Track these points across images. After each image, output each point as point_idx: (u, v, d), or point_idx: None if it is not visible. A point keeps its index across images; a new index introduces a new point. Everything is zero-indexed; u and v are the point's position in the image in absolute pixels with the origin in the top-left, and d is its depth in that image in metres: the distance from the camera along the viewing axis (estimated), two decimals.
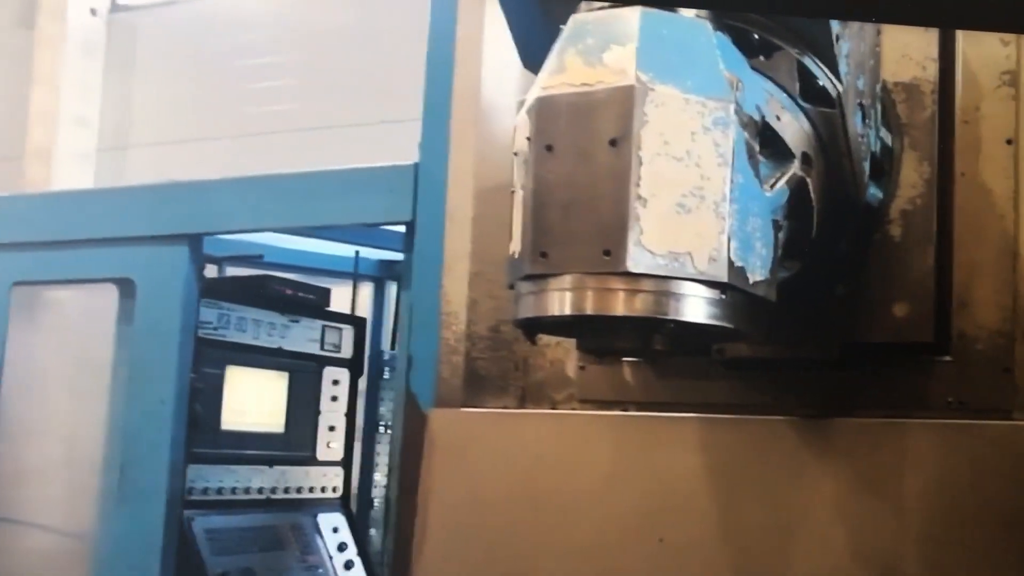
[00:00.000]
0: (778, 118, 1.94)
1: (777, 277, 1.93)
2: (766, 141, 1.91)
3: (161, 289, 3.59)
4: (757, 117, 1.87)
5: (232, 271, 4.62)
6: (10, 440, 4.11)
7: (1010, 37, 2.25)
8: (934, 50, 2.30)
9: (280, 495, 4.76)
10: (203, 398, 3.91)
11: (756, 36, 1.99)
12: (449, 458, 2.58)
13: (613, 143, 1.75)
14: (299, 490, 4.87)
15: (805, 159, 1.98)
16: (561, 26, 1.91)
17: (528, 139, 1.83)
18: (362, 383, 5.40)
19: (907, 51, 2.31)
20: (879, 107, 2.23)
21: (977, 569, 2.14)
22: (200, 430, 3.87)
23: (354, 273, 5.17)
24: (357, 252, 5.06)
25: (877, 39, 2.22)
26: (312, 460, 4.92)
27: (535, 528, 2.47)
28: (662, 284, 1.74)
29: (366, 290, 5.60)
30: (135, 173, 8.94)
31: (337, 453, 5.06)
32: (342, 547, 4.94)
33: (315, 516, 4.95)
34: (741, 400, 2.37)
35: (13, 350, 3.89)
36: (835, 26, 1.98)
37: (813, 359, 2.30)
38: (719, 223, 1.76)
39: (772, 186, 1.92)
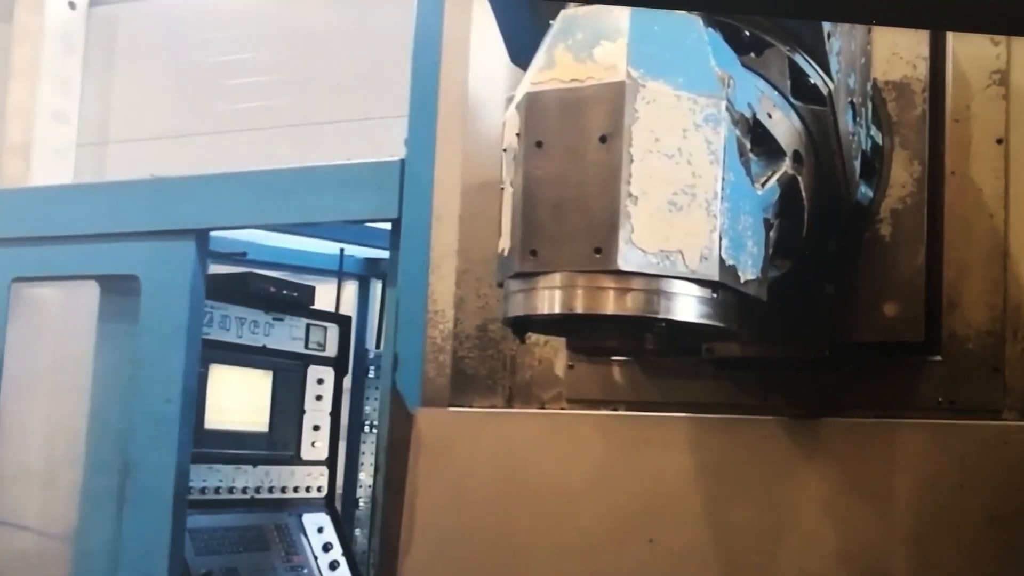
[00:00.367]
0: (769, 116, 1.93)
1: (768, 276, 1.91)
2: (757, 139, 1.90)
3: (167, 286, 3.57)
4: (748, 115, 1.85)
5: (215, 268, 4.58)
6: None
7: (1000, 37, 2.24)
8: (925, 49, 2.29)
9: (264, 495, 4.74)
10: None
11: (747, 33, 1.98)
12: (435, 458, 2.56)
13: (603, 140, 1.73)
14: (283, 490, 4.85)
15: (796, 157, 1.97)
16: (551, 22, 1.89)
17: (517, 135, 1.81)
18: (347, 382, 5.38)
19: (897, 50, 2.30)
20: (869, 106, 2.22)
21: (965, 569, 2.13)
22: None
23: (339, 271, 5.14)
24: (342, 250, 5.04)
25: (868, 37, 2.21)
26: (296, 459, 4.90)
27: (523, 529, 2.45)
28: (653, 283, 1.72)
29: (351, 288, 5.58)
30: (115, 169, 8.87)
31: (322, 452, 5.04)
32: (327, 547, 4.93)
33: (300, 516, 4.93)
34: (730, 400, 2.36)
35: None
36: (826, 24, 1.97)
37: (803, 359, 2.29)
38: (710, 221, 1.75)
39: (763, 184, 1.91)
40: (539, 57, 1.82)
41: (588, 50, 1.77)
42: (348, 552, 4.99)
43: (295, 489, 4.94)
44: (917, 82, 2.28)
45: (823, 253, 2.21)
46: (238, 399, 4.62)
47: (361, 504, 5.69)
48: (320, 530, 4.99)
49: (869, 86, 2.22)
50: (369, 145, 3.23)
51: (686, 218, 1.73)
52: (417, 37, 2.93)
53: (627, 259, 1.70)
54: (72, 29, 9.12)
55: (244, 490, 4.65)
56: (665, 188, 1.73)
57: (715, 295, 1.77)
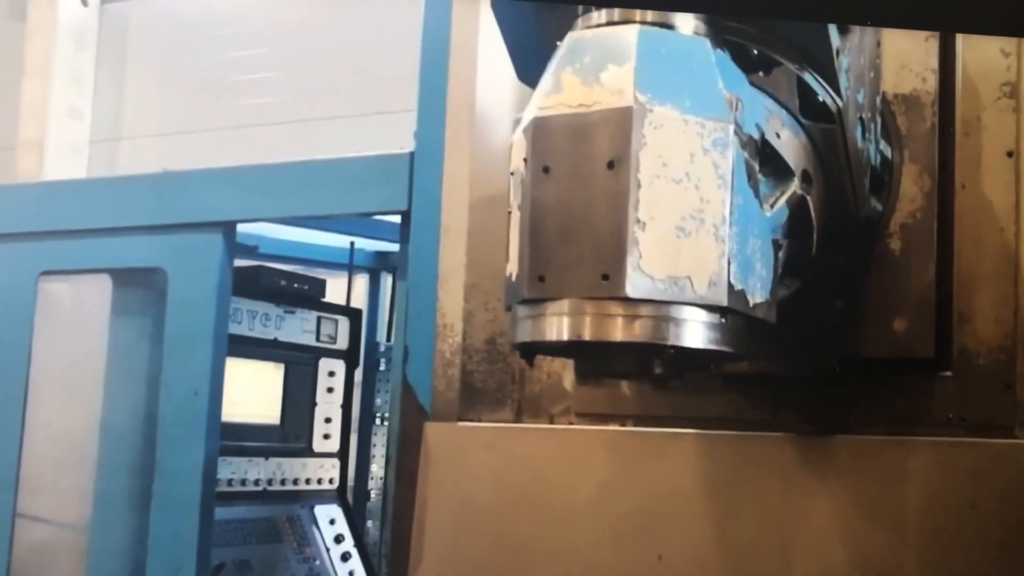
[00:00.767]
0: (778, 135, 1.92)
1: (777, 298, 1.90)
2: (765, 159, 1.89)
3: (194, 279, 3.56)
4: (756, 136, 1.84)
5: None
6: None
7: (1011, 48, 2.23)
8: (934, 61, 2.27)
9: (276, 487, 4.74)
10: None
11: (755, 52, 1.97)
12: (445, 472, 2.56)
13: (611, 165, 1.72)
14: (295, 482, 4.86)
15: (805, 177, 1.95)
16: (557, 42, 1.88)
17: (524, 160, 1.80)
18: (358, 375, 5.40)
19: (907, 62, 2.29)
20: (879, 120, 2.21)
21: None
22: None
23: (349, 264, 5.14)
24: (352, 243, 5.04)
25: (877, 51, 2.20)
26: (308, 452, 4.91)
27: (532, 546, 2.45)
28: (661, 309, 1.71)
29: (361, 283, 5.59)
30: (127, 165, 8.90)
31: (333, 445, 5.04)
32: (339, 539, 4.94)
33: (312, 508, 4.95)
34: (740, 415, 2.35)
35: None
36: (835, 41, 1.95)
37: (812, 374, 2.28)
38: (719, 246, 1.73)
39: (772, 205, 1.90)
40: (546, 80, 1.81)
41: (595, 74, 1.76)
42: (360, 544, 5.00)
43: (307, 481, 4.95)
44: (927, 95, 2.27)
45: (833, 269, 2.20)
46: (250, 392, 4.63)
47: (373, 496, 5.70)
48: (332, 522, 5.01)
49: (878, 100, 2.21)
50: (382, 140, 3.24)
51: (694, 243, 1.72)
52: (425, 31, 2.93)
53: (635, 286, 1.69)
54: (85, 26, 9.13)
55: (256, 482, 4.66)
56: (673, 213, 1.72)
57: (724, 320, 1.76)
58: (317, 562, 4.83)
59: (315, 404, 4.96)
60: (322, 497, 5.03)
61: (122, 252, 3.75)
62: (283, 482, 4.81)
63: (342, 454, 5.12)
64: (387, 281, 5.45)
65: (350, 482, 5.35)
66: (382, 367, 5.48)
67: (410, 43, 3.03)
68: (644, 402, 2.43)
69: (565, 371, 2.53)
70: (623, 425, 2.46)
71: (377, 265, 5.39)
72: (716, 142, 1.74)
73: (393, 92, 5.51)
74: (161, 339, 3.63)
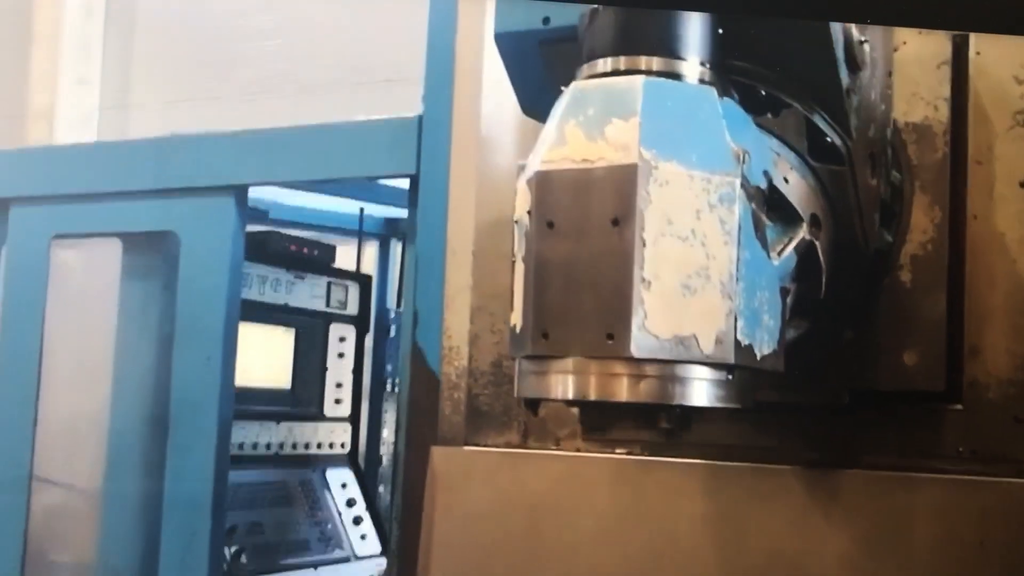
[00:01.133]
0: (786, 180, 1.89)
1: (784, 346, 1.88)
2: (773, 204, 1.86)
3: (206, 243, 3.59)
4: (764, 184, 1.81)
5: None
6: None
7: None
8: (946, 89, 2.23)
9: (288, 451, 4.77)
10: None
11: (763, 92, 1.93)
12: (451, 497, 2.56)
13: (615, 222, 1.69)
14: (307, 446, 4.89)
15: (814, 221, 1.93)
16: (562, 87, 1.85)
17: (529, 213, 1.78)
18: (369, 342, 5.42)
19: (918, 90, 2.25)
20: (889, 152, 2.17)
21: None
22: None
23: (359, 231, 5.13)
24: (362, 209, 5.03)
25: (888, 80, 2.16)
26: (319, 416, 4.94)
27: (537, 570, 2.45)
28: (667, 368, 1.70)
29: (371, 250, 5.59)
30: (138, 133, 8.86)
31: (344, 410, 5.08)
32: (351, 502, 4.98)
33: (323, 472, 4.98)
34: (746, 442, 2.33)
35: None
36: (845, 80, 1.92)
37: (821, 404, 2.26)
38: (725, 303, 1.71)
39: (780, 253, 1.87)
40: (550, 131, 1.78)
41: (599, 128, 1.73)
42: (372, 507, 5.04)
43: (318, 446, 4.99)
44: (938, 124, 2.23)
45: (842, 301, 2.17)
46: (261, 357, 4.65)
47: (384, 461, 5.72)
48: (344, 486, 5.05)
49: (889, 132, 2.17)
50: (392, 109, 3.26)
51: (700, 301, 1.70)
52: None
53: (640, 346, 1.67)
54: None
55: (268, 446, 4.69)
56: (678, 272, 1.69)
57: (731, 377, 1.74)
58: (329, 525, 4.88)
59: (326, 369, 4.99)
60: (334, 461, 5.06)
61: (134, 216, 3.79)
62: (295, 446, 4.84)
63: (353, 419, 5.16)
64: (397, 249, 5.45)
65: (361, 448, 5.38)
66: (392, 334, 5.49)
67: (418, 10, 3.00)
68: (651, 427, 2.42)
69: None
70: (629, 451, 2.45)
71: (387, 232, 5.40)
72: (722, 197, 1.72)
73: (401, 61, 5.49)
74: (173, 305, 3.65)
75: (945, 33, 2.25)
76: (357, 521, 5.03)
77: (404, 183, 3.19)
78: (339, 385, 5.09)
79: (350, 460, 5.19)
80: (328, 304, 4.96)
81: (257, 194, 4.37)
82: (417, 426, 2.67)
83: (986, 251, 2.21)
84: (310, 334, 4.90)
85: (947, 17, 1.84)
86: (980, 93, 2.23)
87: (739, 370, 1.75)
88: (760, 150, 1.85)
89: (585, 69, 1.83)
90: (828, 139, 1.94)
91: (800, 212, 1.90)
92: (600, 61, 1.80)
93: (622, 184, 1.69)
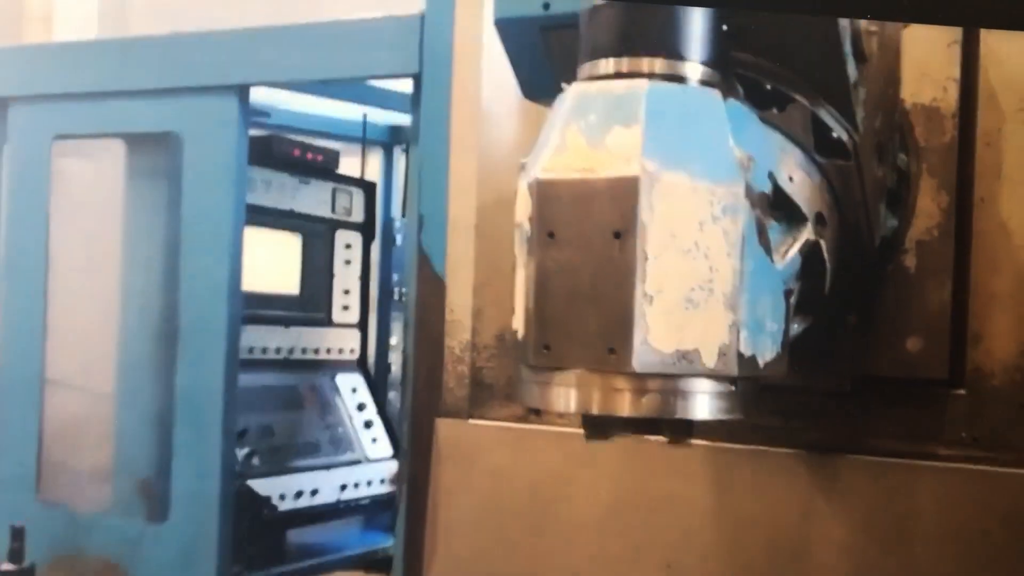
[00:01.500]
0: (791, 179, 1.86)
1: (788, 348, 1.87)
2: (778, 203, 1.83)
3: (210, 143, 3.57)
4: (768, 188, 1.78)
5: None
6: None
7: None
8: (955, 70, 2.18)
9: (298, 356, 4.80)
10: None
11: (768, 87, 1.89)
12: (456, 470, 2.57)
13: (617, 235, 1.67)
14: (316, 351, 4.92)
15: (819, 219, 1.90)
16: (563, 84, 1.81)
17: (529, 219, 1.75)
18: (376, 252, 5.43)
19: (927, 70, 2.20)
20: (896, 138, 2.14)
21: None
22: None
23: (363, 137, 5.09)
24: (365, 115, 4.99)
25: (896, 62, 2.11)
26: (328, 322, 4.96)
27: (540, 548, 2.47)
28: (669, 383, 1.69)
29: (375, 161, 5.56)
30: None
31: (353, 316, 5.10)
32: (361, 407, 5.02)
33: (333, 376, 5.02)
34: (752, 422, 2.32)
35: None
36: (852, 73, 1.88)
37: (825, 388, 2.26)
38: (728, 316, 1.69)
39: (784, 255, 1.85)
40: (552, 135, 1.74)
41: (601, 135, 1.70)
42: (382, 412, 5.07)
43: (328, 351, 5.01)
44: (947, 106, 2.19)
45: (846, 286, 2.15)
46: (269, 262, 4.65)
47: (393, 370, 5.76)
48: (354, 390, 5.09)
49: (897, 116, 2.13)
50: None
51: (703, 315, 1.68)
52: None
53: (642, 361, 1.66)
54: None
55: (278, 351, 4.72)
56: (681, 285, 1.67)
57: (734, 388, 1.73)
58: (340, 429, 4.92)
59: (333, 276, 5.01)
60: (343, 367, 5.10)
61: (135, 115, 3.75)
62: (304, 351, 4.87)
63: (362, 325, 5.18)
64: (401, 158, 5.42)
65: (371, 355, 5.41)
66: (398, 243, 5.49)
67: None
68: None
69: None
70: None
71: (390, 140, 5.34)
72: (726, 208, 1.69)
73: None
74: (178, 208, 3.65)
75: None
76: (368, 425, 5.07)
77: (408, 88, 3.15)
78: (347, 292, 5.10)
79: (359, 366, 5.23)
80: (333, 210, 4.96)
81: (260, 99, 4.33)
82: (424, 327, 2.66)
83: (992, 235, 2.18)
84: (316, 240, 4.91)
85: (950, 13, 1.80)
86: (990, 73, 2.19)
87: (742, 380, 1.74)
88: (765, 149, 1.82)
89: (587, 68, 1.79)
90: (834, 134, 1.90)
91: (805, 211, 1.87)
92: (603, 62, 1.76)
93: (624, 197, 1.66)
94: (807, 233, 1.87)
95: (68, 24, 8.80)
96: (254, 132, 4.42)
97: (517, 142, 2.52)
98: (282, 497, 4.35)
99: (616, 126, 1.69)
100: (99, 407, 4.03)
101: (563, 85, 1.82)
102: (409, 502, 2.60)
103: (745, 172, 1.70)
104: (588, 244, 1.69)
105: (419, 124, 2.89)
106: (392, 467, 4.73)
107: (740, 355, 1.71)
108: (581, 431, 2.49)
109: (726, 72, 1.81)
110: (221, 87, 3.53)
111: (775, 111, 1.90)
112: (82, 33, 8.82)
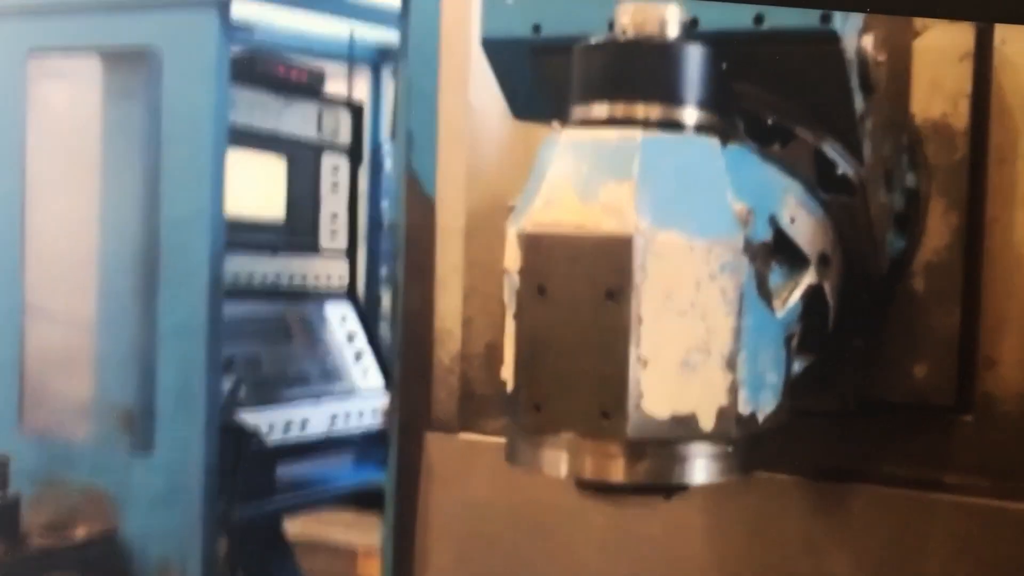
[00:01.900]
0: (792, 220, 1.77)
1: (788, 396, 1.79)
2: (779, 246, 1.75)
3: (190, 60, 3.50)
4: (769, 235, 1.69)
5: None
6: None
7: None
8: (967, 85, 2.08)
9: (285, 284, 4.74)
10: None
11: (771, 122, 1.79)
12: (447, 486, 2.51)
13: (610, 295, 1.59)
14: (304, 279, 4.85)
15: (822, 260, 1.82)
16: (555, 126, 1.72)
17: (520, 272, 1.67)
18: (364, 180, 5.35)
19: (939, 84, 2.09)
20: (905, 159, 2.04)
21: None
22: None
23: (349, 56, 4.97)
24: (351, 32, 4.86)
25: (907, 78, 2.01)
26: (315, 249, 4.89)
27: (537, 564, 2.42)
28: (665, 448, 1.62)
29: (362, 85, 5.45)
30: None
31: (340, 243, 5.01)
32: (351, 337, 4.96)
33: (322, 306, 4.96)
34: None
35: None
36: (859, 106, 1.78)
37: (829, 410, 2.19)
38: (727, 377, 1.62)
39: (785, 301, 1.77)
40: (542, 186, 1.65)
41: (594, 189, 1.61)
42: (373, 342, 5.03)
43: (316, 279, 4.95)
44: (959, 122, 2.08)
45: (853, 310, 2.07)
46: (252, 186, 4.58)
47: (384, 301, 5.71)
48: (343, 319, 5.03)
49: (906, 137, 2.03)
50: None
51: (700, 378, 1.61)
52: None
53: (636, 427, 1.59)
54: None
55: (263, 279, 4.65)
56: (677, 348, 1.60)
57: (731, 449, 1.67)
58: (330, 359, 4.87)
59: (320, 201, 4.93)
60: (332, 296, 5.03)
61: (112, 29, 3.66)
62: (291, 279, 4.80)
63: (350, 253, 5.11)
64: (389, 81, 5.30)
65: (360, 284, 5.36)
66: (387, 169, 5.40)
67: None
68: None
69: None
70: None
71: (378, 59, 5.21)
72: (724, 266, 1.61)
73: None
74: (158, 129, 3.59)
75: (969, 23, 2.08)
76: (358, 356, 5.02)
77: (396, 2, 3.03)
78: (334, 217, 5.02)
79: (349, 295, 5.16)
80: (319, 131, 4.86)
81: (242, 15, 4.21)
82: (414, 252, 2.59)
83: (1005, 256, 2.09)
84: (302, 164, 4.81)
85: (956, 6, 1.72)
86: (1004, 87, 2.08)
87: (741, 439, 1.67)
88: (766, 192, 1.73)
89: (579, 111, 1.69)
90: (839, 170, 1.81)
91: (807, 254, 1.79)
92: (596, 106, 1.67)
93: (617, 256, 1.58)
94: (809, 277, 1.79)
95: None
96: (236, 50, 4.31)
97: None
98: (271, 429, 4.32)
99: (609, 180, 1.60)
100: (81, 336, 3.99)
101: (554, 124, 1.73)
102: (397, 519, 2.56)
103: (744, 227, 1.62)
104: (580, 303, 1.61)
105: (407, 38, 2.73)
106: (384, 398, 4.69)
107: (739, 416, 1.64)
108: None
109: (726, 110, 1.72)
110: (199, 2, 3.45)
111: (777, 146, 1.80)
112: None
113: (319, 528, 6.71)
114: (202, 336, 3.53)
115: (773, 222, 1.71)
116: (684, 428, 1.61)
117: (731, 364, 1.62)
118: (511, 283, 1.71)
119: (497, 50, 1.94)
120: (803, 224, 1.78)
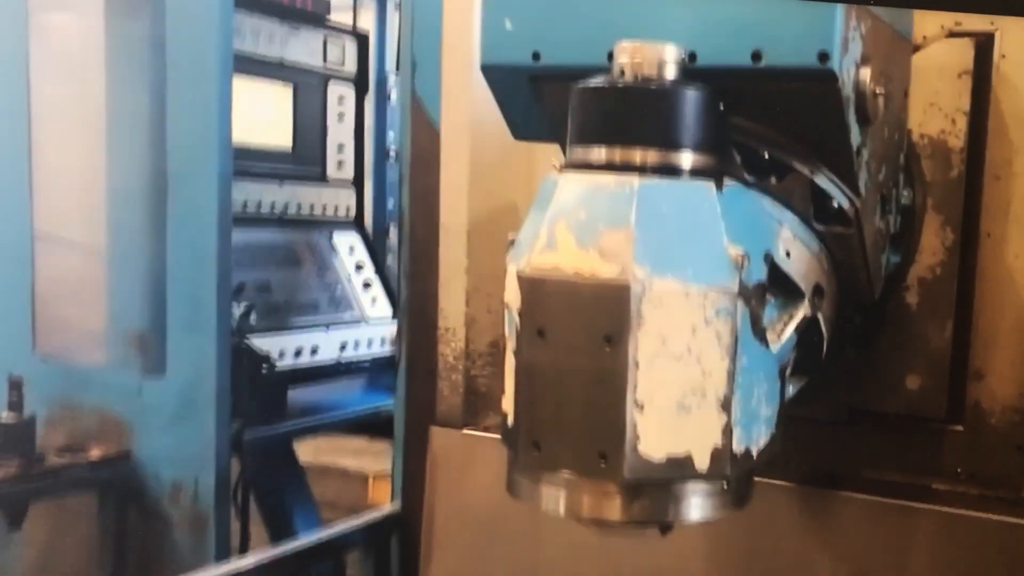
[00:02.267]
0: (788, 254, 1.80)
1: (783, 424, 1.84)
2: (774, 279, 1.77)
3: None
4: (764, 274, 1.72)
5: None
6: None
7: None
8: (965, 102, 2.09)
9: (293, 213, 4.78)
10: None
11: (767, 156, 1.81)
12: (451, 480, 2.57)
13: (608, 339, 1.63)
14: (312, 208, 4.90)
15: (816, 291, 1.85)
16: (554, 166, 1.74)
17: (519, 313, 1.70)
18: (370, 113, 5.35)
19: (936, 100, 2.11)
20: (901, 178, 2.06)
21: None
22: None
23: None
24: None
25: (904, 102, 2.02)
26: (323, 179, 4.93)
27: (541, 560, 2.49)
28: (661, 488, 1.67)
29: (367, 15, 5.44)
30: None
31: (348, 173, 5.07)
32: (359, 267, 5.01)
33: (330, 235, 5.01)
34: None
35: None
36: (855, 139, 1.79)
37: (822, 417, 2.23)
38: (721, 418, 1.66)
39: (780, 334, 1.80)
40: (540, 230, 1.67)
41: (592, 235, 1.63)
42: (380, 272, 5.08)
43: (323, 209, 4.98)
44: (955, 139, 2.10)
45: (847, 323, 2.11)
46: (259, 115, 4.60)
47: (391, 232, 5.75)
48: (351, 250, 5.07)
49: (902, 156, 2.05)
50: None
51: (695, 419, 1.65)
52: None
53: (633, 469, 1.63)
54: None
55: (272, 207, 4.69)
56: (673, 391, 1.64)
57: (727, 486, 1.71)
58: (338, 288, 4.93)
59: (326, 130, 4.94)
60: (340, 225, 5.07)
61: None
62: (299, 208, 4.84)
63: (357, 183, 5.14)
64: (394, 14, 5.29)
65: (368, 215, 5.39)
66: (392, 99, 5.40)
67: None
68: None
69: None
70: None
71: None
72: (720, 311, 1.64)
73: None
74: (162, 56, 3.60)
75: (969, 38, 2.09)
76: (367, 286, 5.06)
77: None
78: (341, 148, 5.04)
79: (356, 225, 5.20)
80: (325, 61, 4.86)
81: None
82: (418, 179, 2.63)
83: (997, 271, 2.13)
84: (308, 93, 4.83)
85: None
86: (1002, 103, 2.09)
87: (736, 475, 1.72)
88: (761, 230, 1.76)
89: (577, 153, 1.71)
90: (835, 203, 1.83)
91: (802, 287, 1.82)
92: (594, 150, 1.68)
93: (614, 303, 1.61)
94: (804, 309, 1.82)
95: None
96: None
97: None
98: (281, 355, 4.38)
99: (607, 227, 1.63)
100: (93, 263, 4.03)
101: (553, 162, 1.75)
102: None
103: (739, 271, 1.65)
104: (578, 347, 1.64)
105: None
106: (392, 327, 4.73)
107: (733, 455, 1.69)
108: None
109: (722, 145, 1.74)
110: None
111: (774, 179, 1.82)
112: None
113: (330, 454, 6.82)
114: (212, 261, 3.57)
115: (768, 258, 1.74)
116: (679, 469, 1.65)
117: (726, 405, 1.66)
118: (510, 319, 1.74)
119: (496, 75, 1.94)
120: (798, 258, 1.81)
